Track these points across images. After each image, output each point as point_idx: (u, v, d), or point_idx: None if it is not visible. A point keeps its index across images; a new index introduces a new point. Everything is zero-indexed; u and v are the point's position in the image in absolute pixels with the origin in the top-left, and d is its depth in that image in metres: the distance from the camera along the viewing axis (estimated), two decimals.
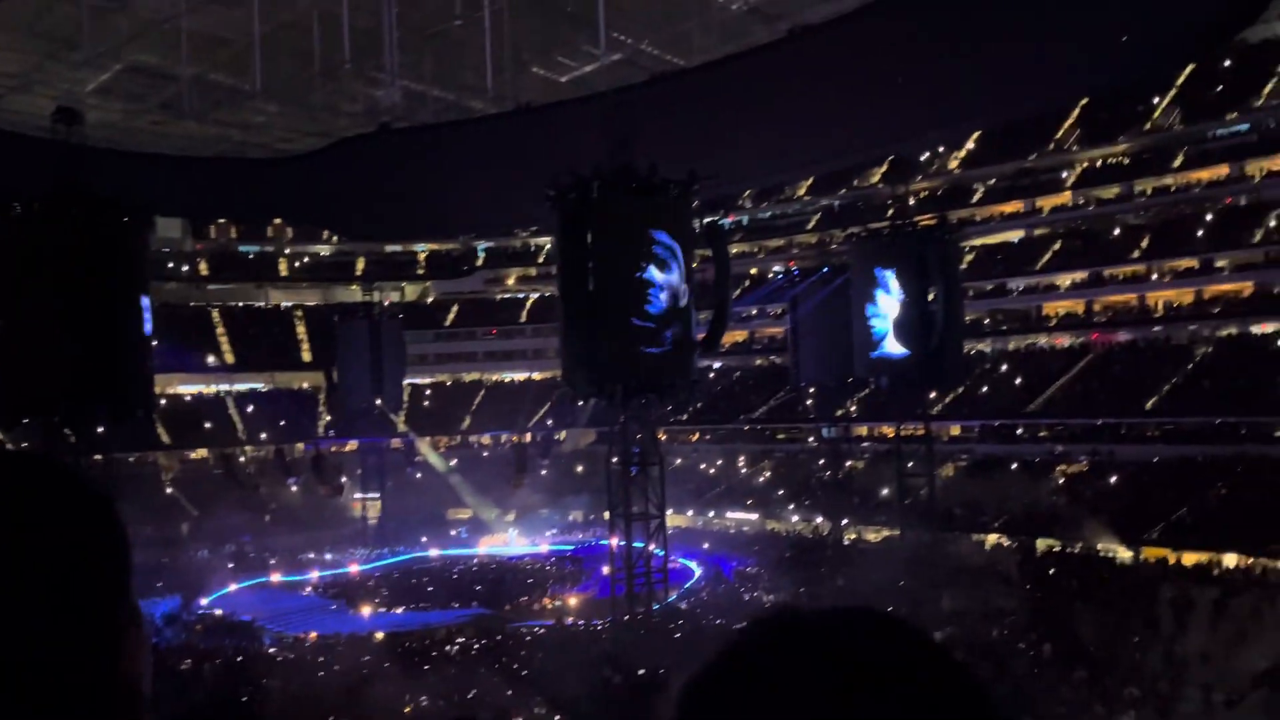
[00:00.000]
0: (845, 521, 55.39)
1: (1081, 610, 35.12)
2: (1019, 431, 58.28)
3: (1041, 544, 47.17)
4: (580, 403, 37.30)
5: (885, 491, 55.18)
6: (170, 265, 73.53)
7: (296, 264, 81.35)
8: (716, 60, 40.64)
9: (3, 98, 47.68)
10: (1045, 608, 35.99)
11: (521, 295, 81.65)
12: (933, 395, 57.41)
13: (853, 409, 63.09)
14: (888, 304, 46.63)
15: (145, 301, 32.61)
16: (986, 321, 63.48)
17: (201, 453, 67.74)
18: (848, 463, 60.37)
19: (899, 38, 30.60)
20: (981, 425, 59.73)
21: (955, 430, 60.67)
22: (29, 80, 46.15)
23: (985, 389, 60.34)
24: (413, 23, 46.46)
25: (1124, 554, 45.07)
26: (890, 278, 46.27)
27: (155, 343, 35.29)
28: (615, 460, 33.99)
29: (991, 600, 36.62)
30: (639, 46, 51.32)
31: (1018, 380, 59.89)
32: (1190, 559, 42.62)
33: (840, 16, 35.46)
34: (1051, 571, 42.88)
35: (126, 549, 1.34)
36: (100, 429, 33.00)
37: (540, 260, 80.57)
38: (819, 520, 57.41)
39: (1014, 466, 54.87)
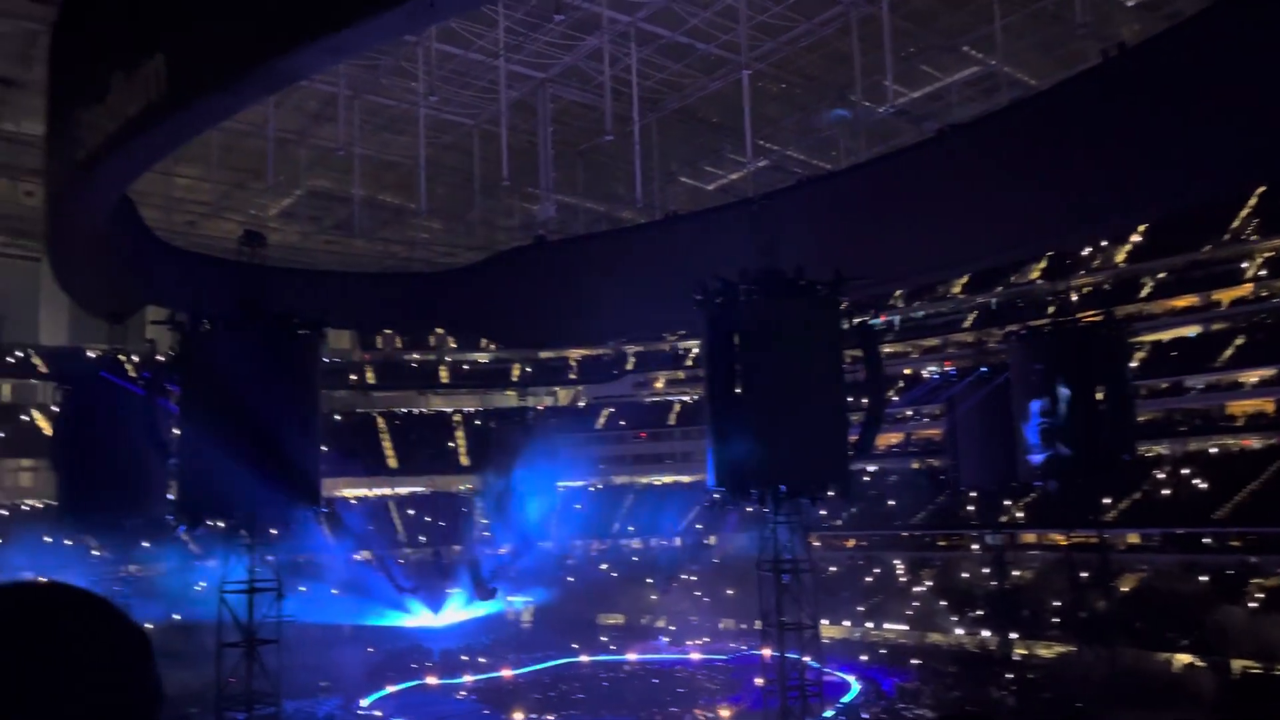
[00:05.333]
0: (1014, 635, 52.11)
1: None
2: (1206, 540, 53.84)
3: (1237, 665, 42.99)
4: (730, 507, 36.72)
5: (1058, 603, 51.76)
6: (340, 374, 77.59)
7: (456, 371, 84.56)
8: (863, 162, 40.71)
9: (195, 224, 52.29)
10: None
11: (671, 398, 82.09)
12: (1108, 501, 53.97)
13: (1019, 515, 59.93)
14: (1052, 404, 44.43)
15: (317, 409, 34.36)
16: (1163, 422, 59.64)
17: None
18: (1015, 572, 57.07)
19: (1052, 131, 29.89)
20: (1163, 533, 55.53)
21: (1134, 538, 56.62)
22: (219, 207, 50.52)
23: (1166, 494, 56.33)
24: (566, 139, 48.74)
25: None
26: (1054, 377, 44.19)
27: (324, 448, 36.99)
28: (765, 567, 33.16)
29: None
30: (785, 153, 52.15)
31: (1202, 485, 55.67)
32: None
33: (989, 114, 35.07)
34: (1252, 697, 38.93)
35: (155, 681, 1.47)
36: (273, 530, 34.58)
37: (689, 363, 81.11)
38: (985, 633, 54.22)
39: (1203, 578, 50.55)
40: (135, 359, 49.16)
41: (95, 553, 43.12)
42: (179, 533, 33.05)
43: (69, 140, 26.78)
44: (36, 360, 67.69)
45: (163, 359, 35.20)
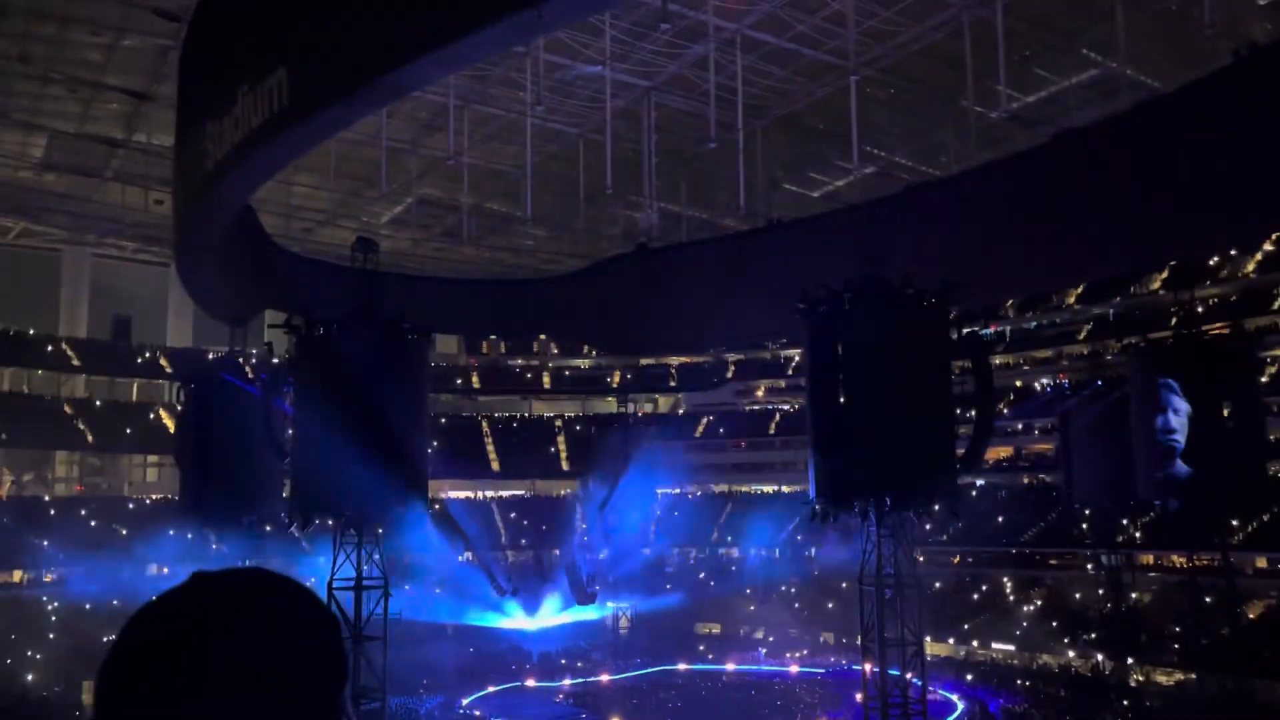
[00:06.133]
0: (1130, 660, 50.00)
1: None
2: None
3: None
4: (831, 519, 36.10)
5: (1178, 628, 49.47)
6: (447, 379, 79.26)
7: (558, 377, 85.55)
8: (974, 168, 39.69)
9: (311, 231, 54.13)
10: None
11: (770, 407, 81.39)
12: (1234, 522, 51.38)
13: (1136, 534, 57.48)
14: (1174, 420, 42.43)
15: (425, 412, 35.11)
16: None
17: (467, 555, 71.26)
18: (1132, 594, 54.74)
19: (1178, 135, 28.62)
20: None
21: (1262, 562, 53.72)
22: (334, 215, 52.20)
23: None
24: (669, 147, 48.78)
25: None
26: (1176, 392, 42.23)
27: (431, 450, 37.79)
28: (867, 581, 32.51)
29: None
30: (893, 159, 51.18)
31: None
32: None
33: (1109, 117, 33.80)
34: None
35: (344, 659, 1.54)
36: (381, 529, 35.45)
37: (789, 372, 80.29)
38: (1099, 657, 52.13)
39: None
40: (254, 360, 51.13)
41: (214, 546, 44.87)
42: (292, 529, 34.13)
43: (196, 151, 28.00)
44: (163, 361, 71.02)
45: (279, 361, 36.47)
